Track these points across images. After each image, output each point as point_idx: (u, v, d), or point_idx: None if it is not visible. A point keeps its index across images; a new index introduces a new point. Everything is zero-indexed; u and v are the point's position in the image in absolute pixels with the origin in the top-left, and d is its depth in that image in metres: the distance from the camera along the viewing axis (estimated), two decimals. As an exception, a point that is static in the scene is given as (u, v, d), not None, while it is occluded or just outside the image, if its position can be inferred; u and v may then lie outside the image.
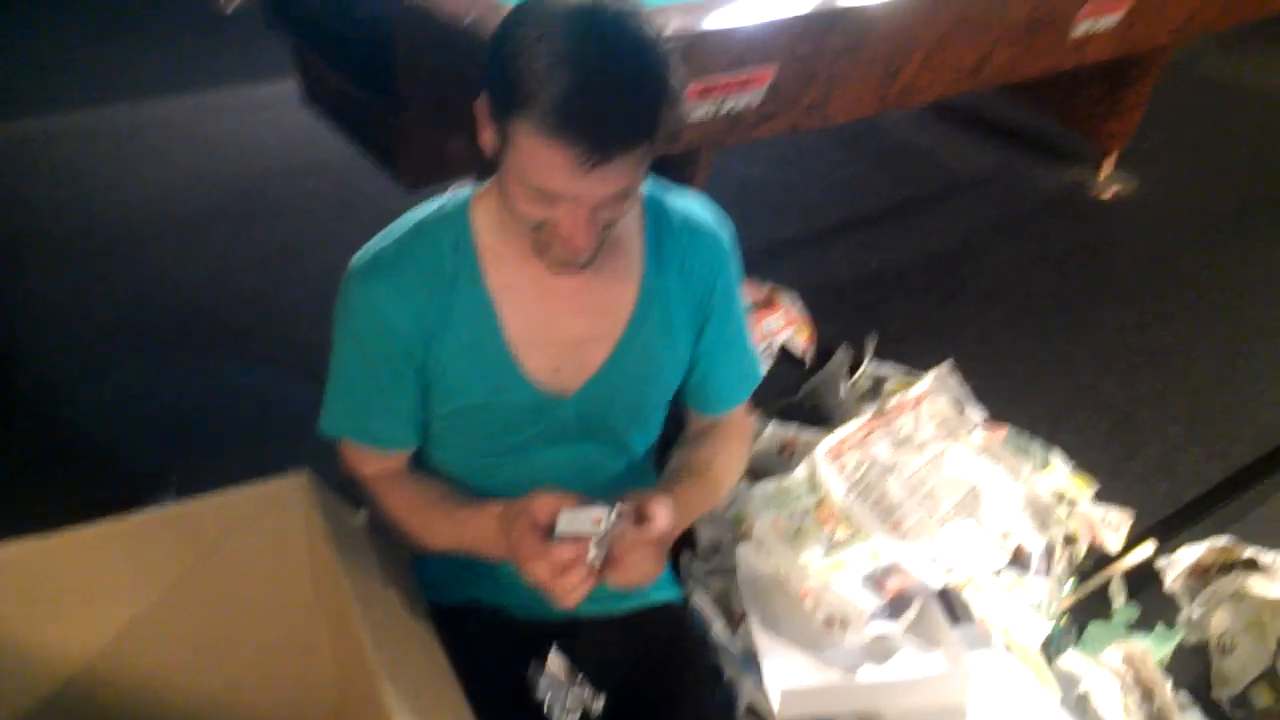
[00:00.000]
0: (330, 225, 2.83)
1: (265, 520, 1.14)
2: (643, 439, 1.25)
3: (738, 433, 1.29)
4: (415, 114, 1.93)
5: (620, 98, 0.87)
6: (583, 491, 1.17)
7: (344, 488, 1.20)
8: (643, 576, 1.01)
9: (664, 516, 1.02)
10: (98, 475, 1.98)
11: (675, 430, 1.30)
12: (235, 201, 2.93)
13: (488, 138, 0.97)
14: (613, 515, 0.97)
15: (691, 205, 1.19)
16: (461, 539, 1.08)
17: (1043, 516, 1.74)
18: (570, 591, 0.96)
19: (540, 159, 0.89)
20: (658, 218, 1.15)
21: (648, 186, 1.17)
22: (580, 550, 0.95)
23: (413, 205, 1.15)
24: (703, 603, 1.45)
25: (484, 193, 1.10)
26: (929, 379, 2.00)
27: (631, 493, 1.05)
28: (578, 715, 1.05)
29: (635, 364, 1.15)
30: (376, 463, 1.18)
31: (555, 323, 1.11)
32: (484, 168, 1.09)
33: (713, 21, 1.75)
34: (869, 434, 1.81)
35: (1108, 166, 3.35)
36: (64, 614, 1.08)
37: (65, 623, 1.09)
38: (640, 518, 1.01)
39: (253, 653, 1.18)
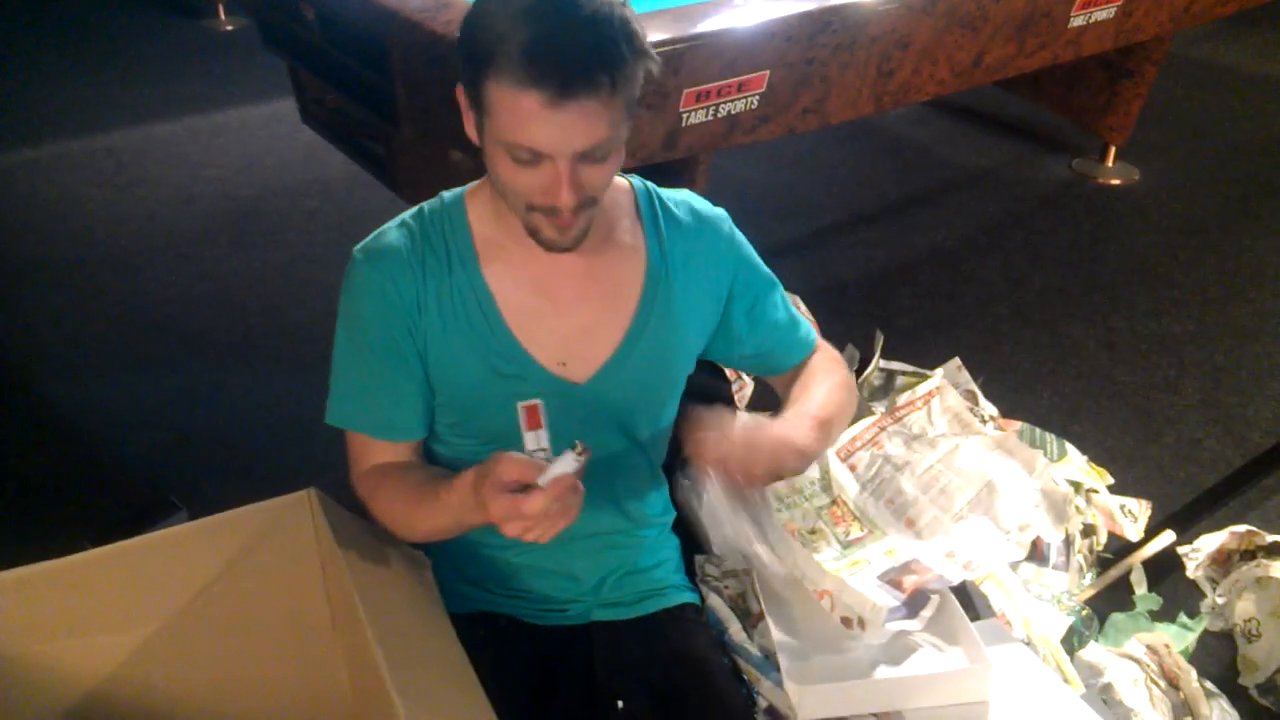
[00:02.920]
0: (330, 242, 2.83)
1: (274, 538, 1.13)
2: (651, 427, 1.24)
3: (824, 359, 1.29)
4: (412, 127, 1.93)
5: (580, 34, 0.90)
6: (592, 484, 1.16)
7: (355, 501, 1.19)
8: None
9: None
10: (102, 499, 1.98)
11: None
12: (234, 221, 2.94)
13: (470, 123, 1.00)
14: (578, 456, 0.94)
15: (687, 196, 1.21)
16: (448, 516, 1.04)
17: (1059, 509, 1.73)
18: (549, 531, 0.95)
19: (514, 111, 0.92)
20: (653, 207, 1.16)
21: (639, 182, 1.18)
22: (545, 497, 0.92)
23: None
24: (718, 605, 1.44)
25: (478, 186, 1.13)
26: (938, 375, 1.99)
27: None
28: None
29: (646, 352, 1.14)
30: (382, 455, 1.15)
31: (558, 312, 1.11)
32: (482, 177, 1.10)
33: (705, 27, 1.75)
34: (880, 432, 1.79)
35: (1110, 157, 3.34)
36: (76, 637, 1.08)
37: (77, 646, 1.08)
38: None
39: (267, 671, 1.17)
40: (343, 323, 1.12)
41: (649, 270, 1.14)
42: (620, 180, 1.16)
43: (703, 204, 1.21)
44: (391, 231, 1.11)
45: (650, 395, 1.19)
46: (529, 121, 0.92)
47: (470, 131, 1.01)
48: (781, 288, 1.26)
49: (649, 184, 1.19)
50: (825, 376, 1.24)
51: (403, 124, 1.94)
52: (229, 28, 4.34)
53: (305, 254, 2.79)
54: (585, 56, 0.90)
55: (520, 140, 0.93)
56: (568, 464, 0.92)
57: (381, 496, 1.13)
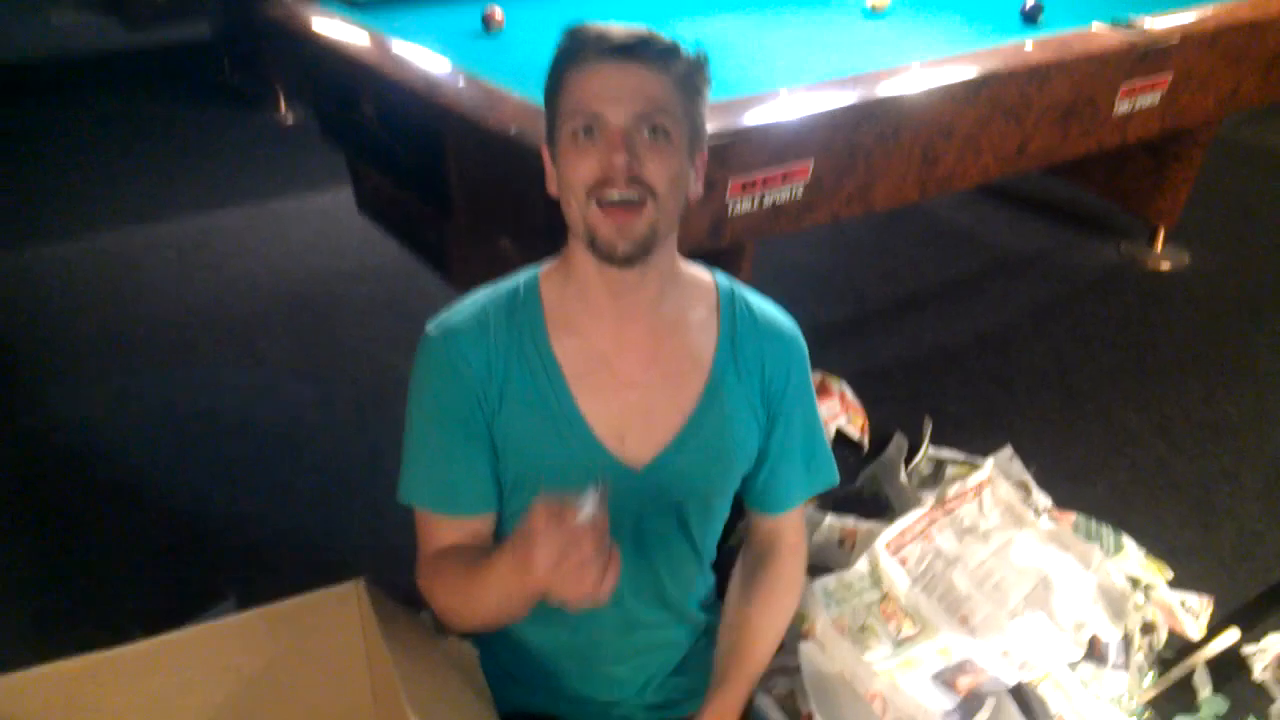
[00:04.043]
0: (384, 328, 2.88)
1: (321, 629, 1.14)
2: (705, 525, 1.22)
3: (789, 564, 1.25)
4: (466, 218, 1.98)
5: (633, 26, 1.02)
6: (640, 570, 1.17)
7: (408, 592, 1.18)
8: None
9: None
10: (151, 584, 1.99)
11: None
12: (291, 307, 3.01)
13: (549, 169, 1.08)
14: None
15: (770, 305, 1.21)
16: (499, 586, 1.00)
17: (1117, 605, 1.68)
18: (584, 584, 0.88)
19: (577, 82, 1.02)
20: (734, 307, 1.17)
21: (725, 278, 1.19)
22: (572, 535, 0.86)
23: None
24: (767, 705, 1.41)
25: (553, 266, 1.15)
26: (988, 466, 1.95)
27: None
28: None
29: (706, 445, 1.14)
30: (450, 534, 1.13)
31: (619, 387, 1.11)
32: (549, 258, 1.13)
33: (750, 119, 1.79)
34: (930, 524, 1.76)
35: (1159, 241, 3.31)
36: (125, 729, 1.08)
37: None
38: None
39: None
40: (413, 398, 1.13)
41: (717, 359, 1.14)
42: (704, 274, 1.19)
43: (783, 317, 1.22)
44: (465, 306, 1.14)
45: (707, 486, 1.18)
46: (590, 81, 1.00)
47: (550, 185, 1.08)
48: (822, 436, 1.25)
49: (735, 282, 1.20)
50: (774, 606, 1.22)
51: (456, 214, 1.98)
52: (290, 121, 4.51)
53: (361, 338, 2.84)
54: (645, 35, 1.01)
55: (580, 106, 1.01)
56: (589, 502, 0.88)
57: (441, 579, 1.11)
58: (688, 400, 1.13)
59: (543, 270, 1.16)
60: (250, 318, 2.95)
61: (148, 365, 2.73)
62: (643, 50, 1.00)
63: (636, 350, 1.12)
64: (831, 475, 1.26)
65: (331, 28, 2.22)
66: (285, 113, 4.54)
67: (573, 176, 1.02)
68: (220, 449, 2.41)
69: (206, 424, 2.49)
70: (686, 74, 1.03)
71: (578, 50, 1.01)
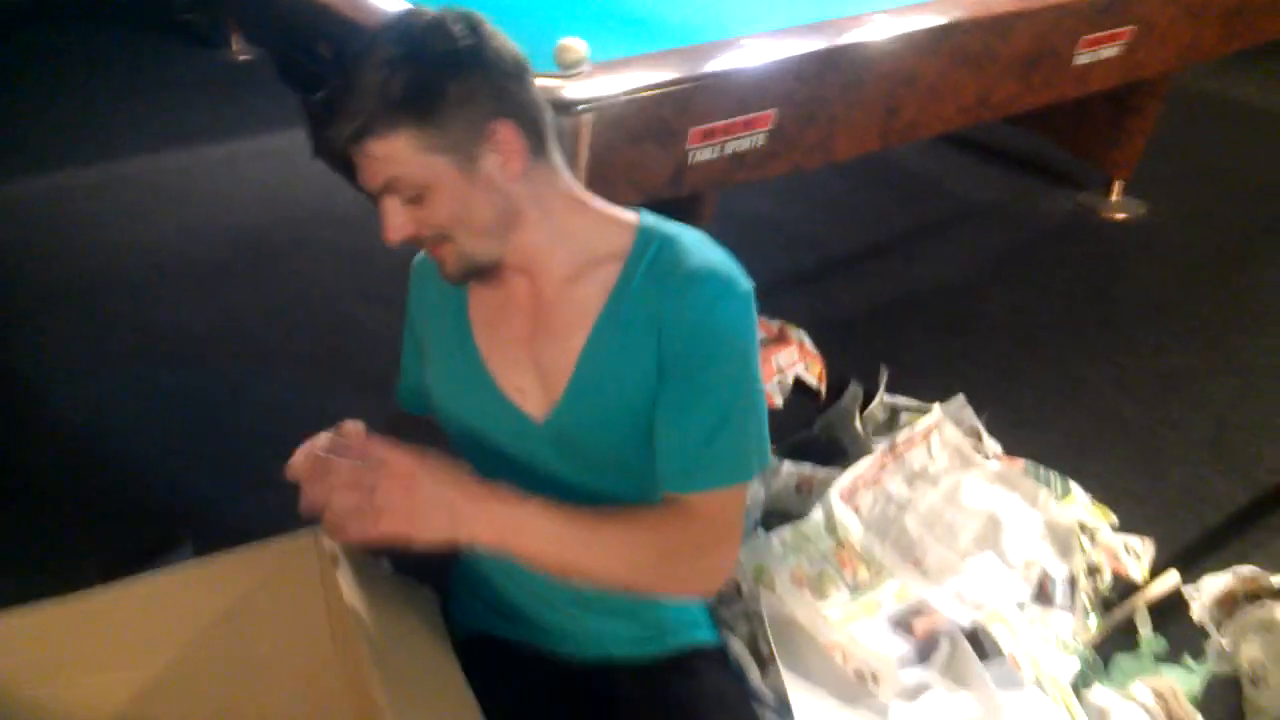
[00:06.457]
0: (342, 273, 2.84)
1: (280, 577, 1.14)
2: (636, 486, 1.13)
3: (682, 518, 1.06)
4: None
5: (342, 93, 0.98)
6: None
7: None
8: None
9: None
10: (111, 526, 1.98)
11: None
12: (247, 250, 2.96)
13: None
14: None
15: (710, 254, 1.07)
16: None
17: (1064, 541, 1.72)
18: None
19: None
20: (645, 253, 1.07)
21: (654, 221, 1.10)
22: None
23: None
24: (740, 650, 1.42)
25: None
26: (936, 410, 1.99)
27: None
28: None
29: (597, 399, 1.08)
30: None
31: (514, 340, 1.14)
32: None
33: (712, 67, 1.77)
34: (881, 470, 1.80)
35: (1116, 191, 3.35)
36: (80, 678, 1.09)
37: (82, 687, 1.09)
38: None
39: (273, 709, 1.18)
40: None
41: (605, 310, 1.07)
42: (625, 217, 1.11)
43: (706, 267, 1.05)
44: None
45: (616, 443, 1.10)
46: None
47: None
48: (736, 417, 1.05)
49: (661, 226, 1.10)
50: (659, 518, 1.06)
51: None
52: (244, 58, 4.39)
53: (318, 283, 2.81)
54: (334, 128, 0.99)
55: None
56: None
57: None
58: (574, 353, 1.08)
59: None
60: (208, 261, 2.90)
61: (101, 310, 2.68)
62: (340, 138, 0.98)
63: (525, 304, 1.12)
64: (736, 468, 1.07)
65: (285, -35, 2.15)
66: (238, 50, 4.42)
67: None
68: (177, 395, 2.38)
69: (162, 370, 2.46)
70: (393, 103, 0.95)
71: None
